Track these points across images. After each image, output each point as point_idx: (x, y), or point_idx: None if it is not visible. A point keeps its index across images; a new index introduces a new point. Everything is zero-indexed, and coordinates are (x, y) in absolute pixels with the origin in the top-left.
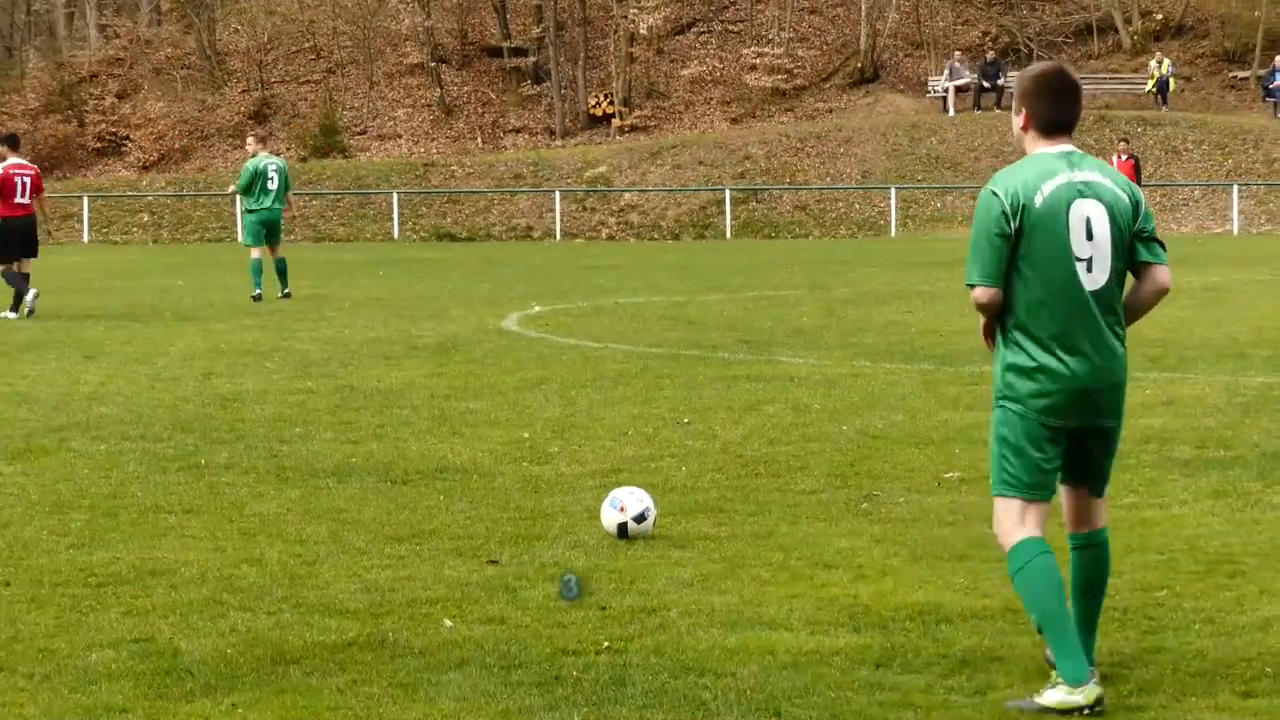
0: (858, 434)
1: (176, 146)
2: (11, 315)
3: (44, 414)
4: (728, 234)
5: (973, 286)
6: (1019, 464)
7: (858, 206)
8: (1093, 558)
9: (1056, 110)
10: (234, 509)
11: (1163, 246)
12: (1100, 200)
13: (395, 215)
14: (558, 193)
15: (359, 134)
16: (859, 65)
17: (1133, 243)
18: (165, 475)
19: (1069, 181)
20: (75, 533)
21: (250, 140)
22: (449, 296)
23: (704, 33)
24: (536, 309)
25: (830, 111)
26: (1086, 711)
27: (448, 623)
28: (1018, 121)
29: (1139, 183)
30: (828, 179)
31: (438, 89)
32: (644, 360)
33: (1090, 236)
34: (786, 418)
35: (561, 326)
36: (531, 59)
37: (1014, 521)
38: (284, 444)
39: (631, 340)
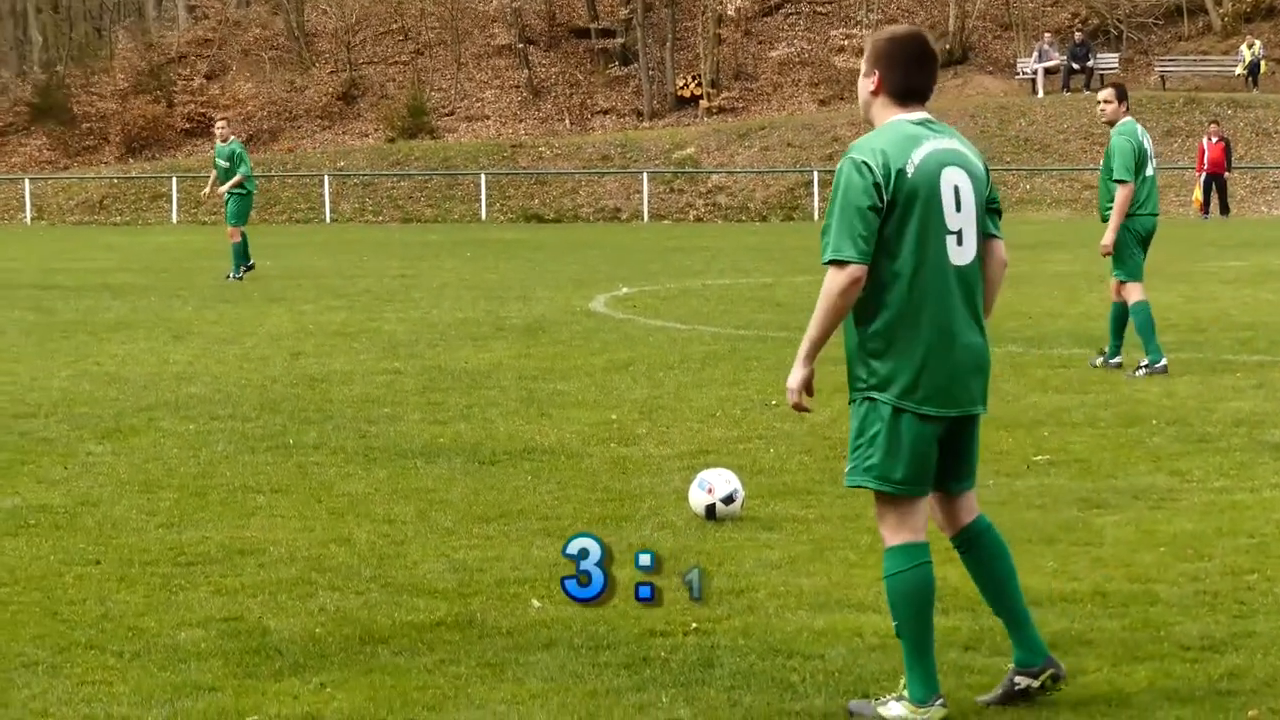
0: None
1: (265, 127)
2: None
3: (133, 393)
4: (815, 216)
5: (841, 264)
6: (898, 459)
7: None
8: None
9: (913, 76)
10: (322, 489)
11: (998, 222)
12: (964, 169)
13: (483, 196)
14: (645, 174)
15: (446, 115)
16: (948, 47)
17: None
18: (254, 455)
19: (937, 150)
20: (164, 512)
21: (223, 124)
22: (536, 278)
23: (792, 14)
24: (624, 290)
25: None
26: None
27: (535, 603)
28: (867, 85)
29: (1229, 165)
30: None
31: (525, 70)
32: (731, 342)
33: (959, 208)
34: None
35: (649, 308)
36: (619, 40)
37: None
38: (372, 424)
39: (719, 322)
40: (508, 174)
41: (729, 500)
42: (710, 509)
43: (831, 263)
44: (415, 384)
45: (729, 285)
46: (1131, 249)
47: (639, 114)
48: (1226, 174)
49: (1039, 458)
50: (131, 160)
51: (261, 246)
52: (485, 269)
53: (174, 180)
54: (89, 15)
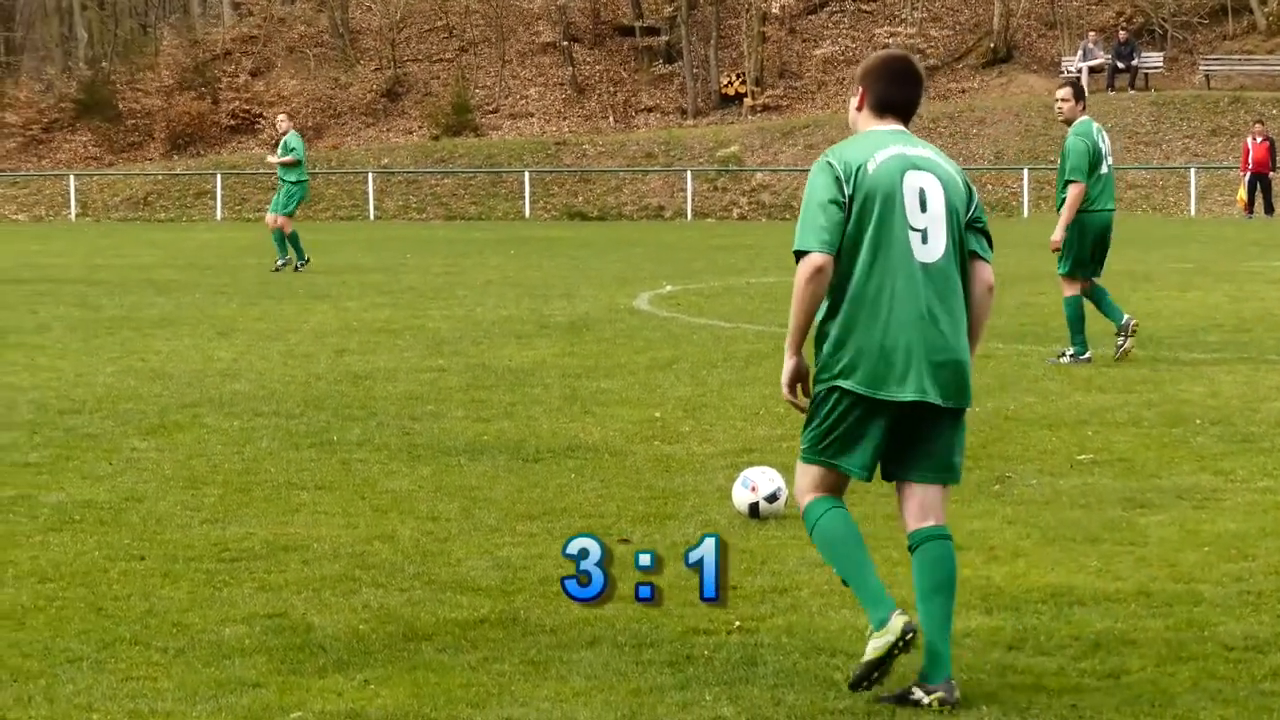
0: (990, 415)
1: (309, 124)
2: None
3: (178, 390)
4: None
5: (804, 254)
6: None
7: (990, 187)
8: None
9: (892, 91)
10: (366, 486)
11: (990, 244)
12: (934, 175)
13: (527, 194)
14: (689, 172)
15: (491, 112)
16: (992, 45)
17: (965, 231)
18: (298, 451)
19: (902, 154)
20: (209, 508)
21: (284, 118)
22: (580, 275)
23: (836, 12)
24: (668, 288)
25: (963, 92)
26: (900, 646)
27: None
28: (853, 101)
29: (1274, 165)
30: (960, 159)
31: (570, 68)
32: (775, 340)
33: (925, 208)
34: None
35: (693, 306)
36: (664, 38)
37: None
38: (416, 421)
39: (763, 320)
40: (551, 171)
41: (772, 498)
42: (754, 507)
43: (797, 254)
44: (459, 381)
45: (773, 283)
46: (1080, 246)
47: (683, 112)
48: (1271, 173)
49: (1083, 457)
50: (176, 157)
51: (307, 243)
52: (529, 266)
53: (218, 177)
54: (134, 12)
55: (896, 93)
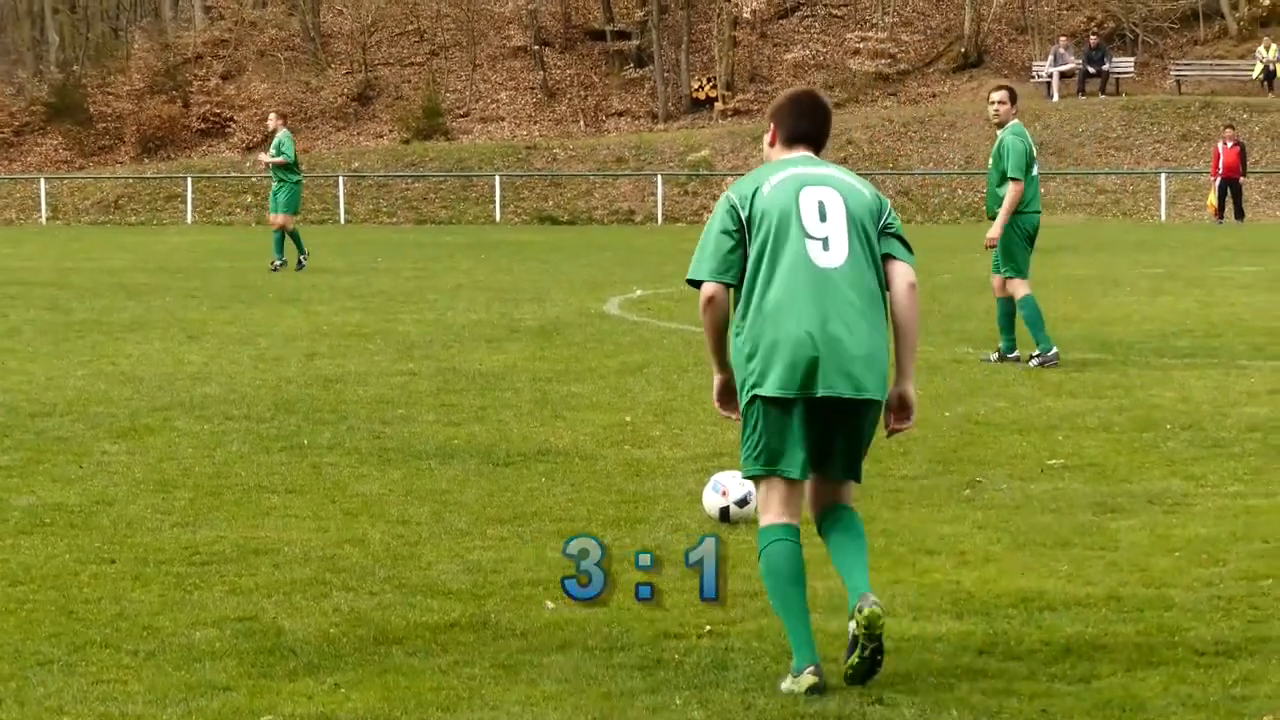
0: (960, 420)
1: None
2: None
3: (148, 393)
4: None
5: (698, 284)
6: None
7: (961, 192)
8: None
9: (798, 123)
10: (337, 489)
11: (908, 248)
12: (833, 188)
13: (497, 198)
14: (660, 176)
15: (461, 116)
16: (963, 50)
17: (880, 237)
18: (268, 455)
19: (798, 174)
20: (179, 511)
21: (274, 117)
22: (551, 280)
23: (807, 16)
24: (638, 293)
25: (934, 96)
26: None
27: (549, 605)
28: (767, 138)
29: (1244, 170)
30: (931, 164)
31: (540, 72)
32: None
33: (824, 219)
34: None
35: (663, 310)
36: (634, 42)
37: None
38: (386, 425)
39: None
40: (522, 176)
41: (743, 503)
42: (724, 511)
43: (691, 283)
44: (429, 385)
45: None
46: (1021, 246)
47: (653, 116)
48: (1241, 178)
49: (1053, 462)
50: (147, 160)
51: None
52: (499, 270)
53: (189, 181)
54: (105, 15)
55: (802, 124)
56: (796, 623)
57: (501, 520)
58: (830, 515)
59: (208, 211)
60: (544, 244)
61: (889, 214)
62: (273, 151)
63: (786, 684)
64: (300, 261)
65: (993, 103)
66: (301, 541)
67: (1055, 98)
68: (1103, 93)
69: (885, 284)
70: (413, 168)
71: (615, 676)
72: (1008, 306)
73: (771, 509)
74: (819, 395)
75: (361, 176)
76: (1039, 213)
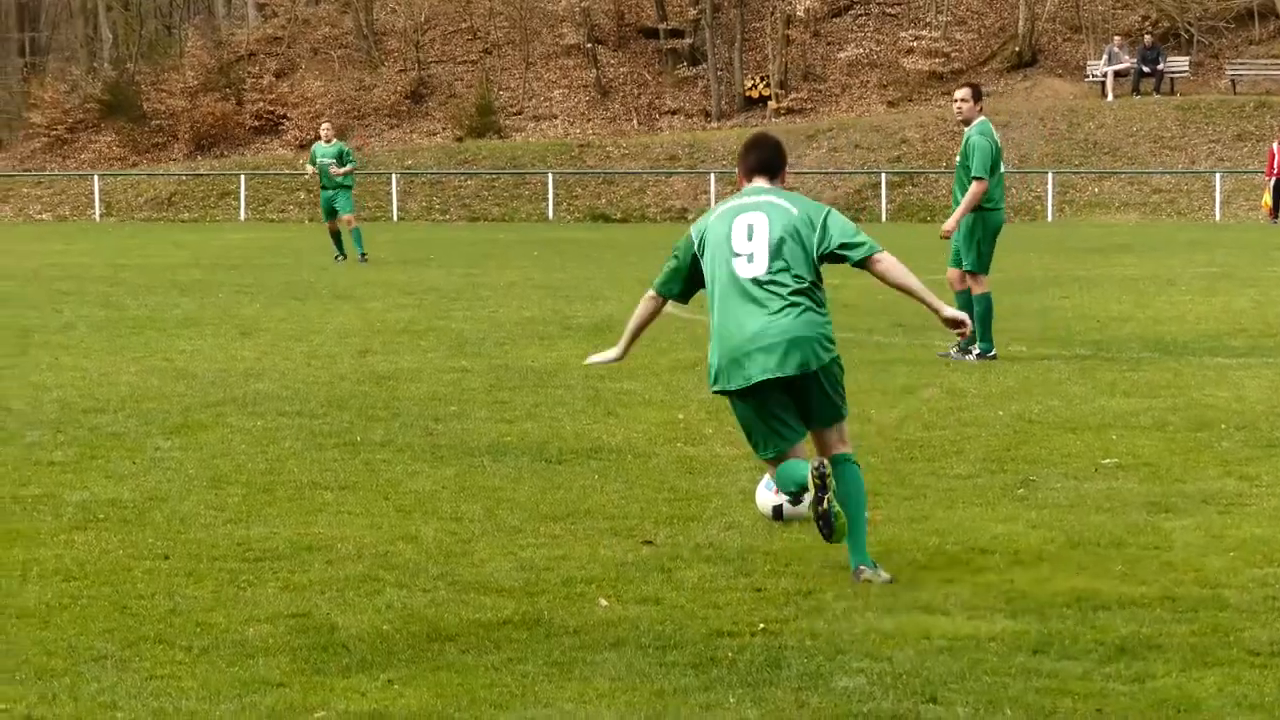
0: (1013, 419)
1: (334, 125)
2: None
3: (201, 389)
4: (883, 217)
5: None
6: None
7: (1014, 191)
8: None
9: (750, 160)
10: (389, 486)
11: (864, 245)
12: (761, 211)
13: (550, 196)
14: (713, 175)
15: (515, 114)
16: (1017, 49)
17: (836, 253)
18: (321, 452)
19: (739, 204)
20: (232, 508)
21: (328, 127)
22: (603, 277)
23: (861, 15)
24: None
25: (987, 95)
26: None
27: (603, 602)
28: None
29: None
30: None
31: (594, 70)
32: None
33: (750, 238)
34: (941, 402)
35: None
36: (688, 41)
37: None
38: (439, 422)
39: None
40: (575, 174)
41: (796, 500)
42: (778, 509)
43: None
44: (482, 382)
45: None
46: (987, 242)
47: (707, 114)
48: None
49: (1107, 461)
50: (200, 157)
51: (330, 244)
52: (552, 268)
53: (242, 178)
54: (159, 12)
55: (752, 160)
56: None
57: (554, 517)
58: (837, 468)
59: (261, 208)
60: (597, 242)
61: (825, 222)
62: (340, 161)
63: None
64: (339, 258)
65: (956, 100)
66: (354, 538)
67: (1110, 97)
68: (1157, 92)
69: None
70: (466, 165)
71: (668, 674)
72: (968, 300)
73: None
74: (759, 380)
75: (415, 174)
76: (1002, 209)
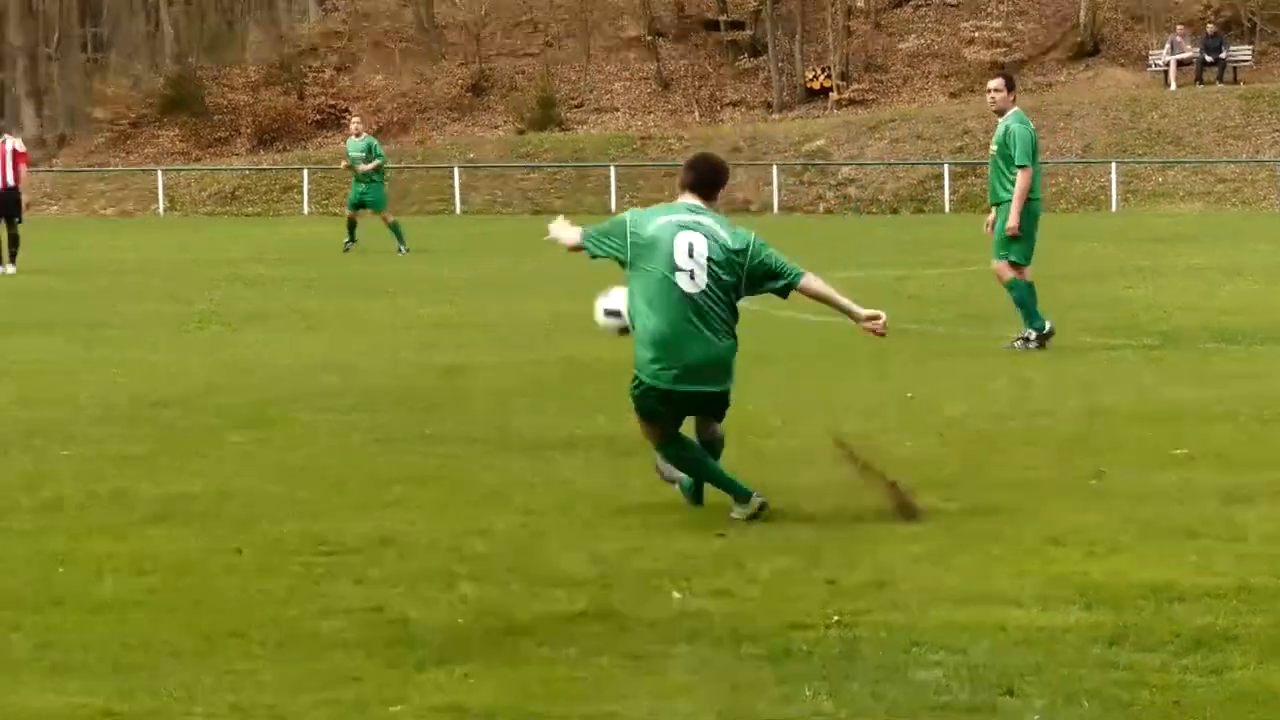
0: (1084, 410)
1: (395, 119)
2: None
3: (270, 384)
4: (946, 208)
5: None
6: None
7: (1078, 181)
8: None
9: (688, 176)
10: (461, 479)
11: (786, 272)
12: (702, 233)
13: (613, 188)
14: (775, 166)
15: (576, 107)
16: (1079, 39)
17: (763, 281)
18: (392, 445)
19: (680, 219)
20: (305, 501)
21: (357, 120)
22: None
23: (922, 5)
24: None
25: (1050, 85)
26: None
27: (677, 595)
28: (678, 185)
29: None
30: (1048, 153)
31: (655, 62)
32: (868, 338)
33: (691, 256)
34: (1011, 393)
35: (777, 300)
36: (748, 32)
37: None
38: (511, 415)
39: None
40: (637, 166)
41: (673, 480)
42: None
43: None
44: (554, 375)
45: (861, 278)
46: (1028, 233)
47: (768, 106)
48: None
49: (1178, 451)
50: (263, 152)
51: (392, 237)
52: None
53: (305, 172)
54: (220, 7)
55: (690, 179)
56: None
57: (627, 510)
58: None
59: (324, 202)
60: None
61: (754, 256)
62: (367, 156)
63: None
64: (348, 246)
65: (989, 90)
66: (427, 532)
67: (1173, 86)
68: (1220, 81)
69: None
70: (528, 159)
71: (744, 667)
72: (1029, 288)
73: (656, 436)
74: (682, 390)
75: (477, 167)
76: (1040, 199)
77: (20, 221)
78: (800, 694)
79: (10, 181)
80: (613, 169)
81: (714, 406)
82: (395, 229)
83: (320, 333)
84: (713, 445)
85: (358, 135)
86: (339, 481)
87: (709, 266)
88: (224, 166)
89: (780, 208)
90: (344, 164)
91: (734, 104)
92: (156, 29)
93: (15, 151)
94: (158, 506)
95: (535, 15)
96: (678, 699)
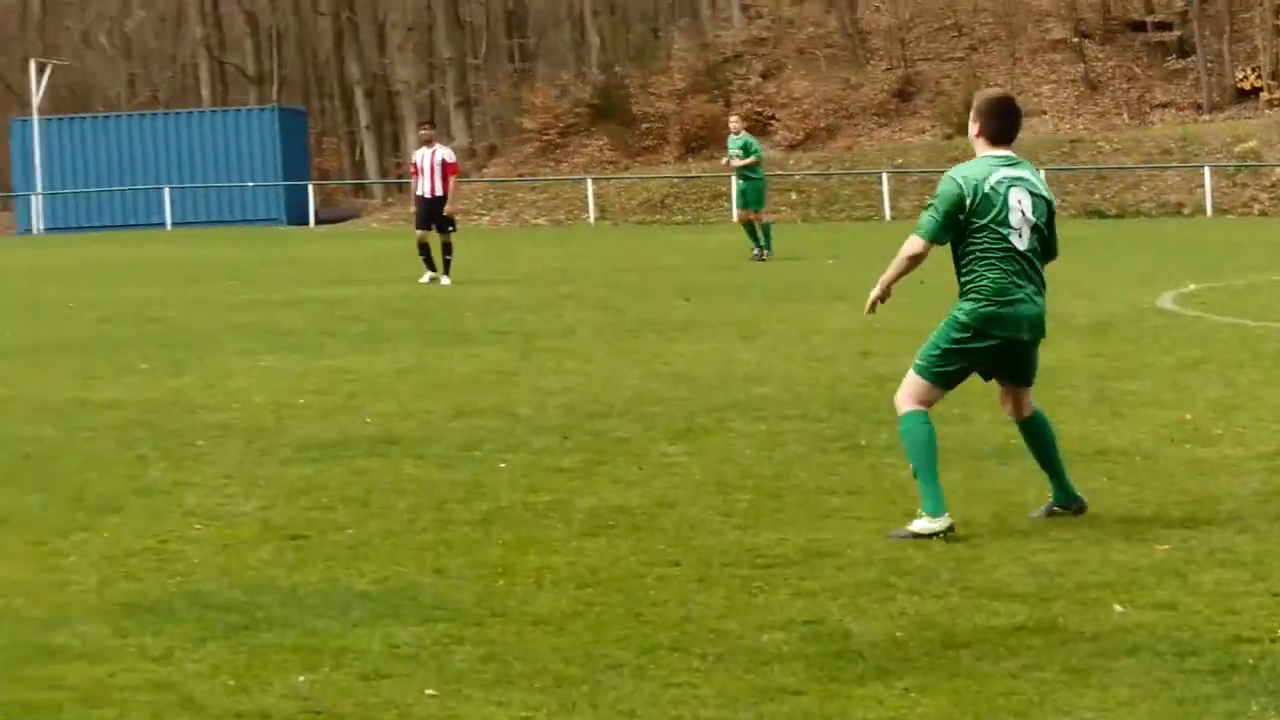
0: None
1: (821, 125)
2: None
3: (704, 393)
4: None
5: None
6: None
7: None
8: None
9: (1006, 124)
10: (897, 490)
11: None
12: (1026, 190)
13: None
14: (1207, 169)
15: None
16: None
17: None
18: (826, 456)
19: (1009, 174)
20: (740, 513)
21: (736, 119)
22: (1102, 274)
23: None
24: (1191, 287)
25: None
26: (943, 535)
27: (1118, 608)
28: (973, 129)
29: None
30: None
31: (1082, 64)
32: None
33: (1021, 214)
34: None
35: (1218, 305)
36: (1176, 33)
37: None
38: (944, 424)
39: None
40: (1067, 169)
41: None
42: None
43: (917, 234)
44: (982, 384)
45: None
46: None
47: (1198, 107)
48: None
49: None
50: (690, 159)
51: (822, 244)
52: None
53: (733, 180)
54: (645, 16)
55: (1006, 124)
56: (934, 479)
57: (1063, 522)
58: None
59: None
60: (1092, 238)
61: (1051, 210)
62: (743, 154)
63: (921, 523)
64: (757, 252)
65: None
66: (864, 543)
67: None
68: None
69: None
70: (955, 163)
71: (1188, 681)
72: None
73: (919, 403)
74: (1012, 338)
75: (905, 173)
76: None
77: (453, 230)
78: (1247, 709)
79: (439, 191)
80: (1043, 173)
81: (1022, 361)
82: (765, 230)
83: (753, 341)
84: (1034, 429)
85: (736, 133)
86: (773, 493)
87: (1033, 225)
88: (652, 175)
89: (1214, 210)
90: (724, 160)
91: (1163, 105)
92: (582, 38)
93: (445, 162)
94: (594, 518)
95: (959, 19)
96: (1120, 713)
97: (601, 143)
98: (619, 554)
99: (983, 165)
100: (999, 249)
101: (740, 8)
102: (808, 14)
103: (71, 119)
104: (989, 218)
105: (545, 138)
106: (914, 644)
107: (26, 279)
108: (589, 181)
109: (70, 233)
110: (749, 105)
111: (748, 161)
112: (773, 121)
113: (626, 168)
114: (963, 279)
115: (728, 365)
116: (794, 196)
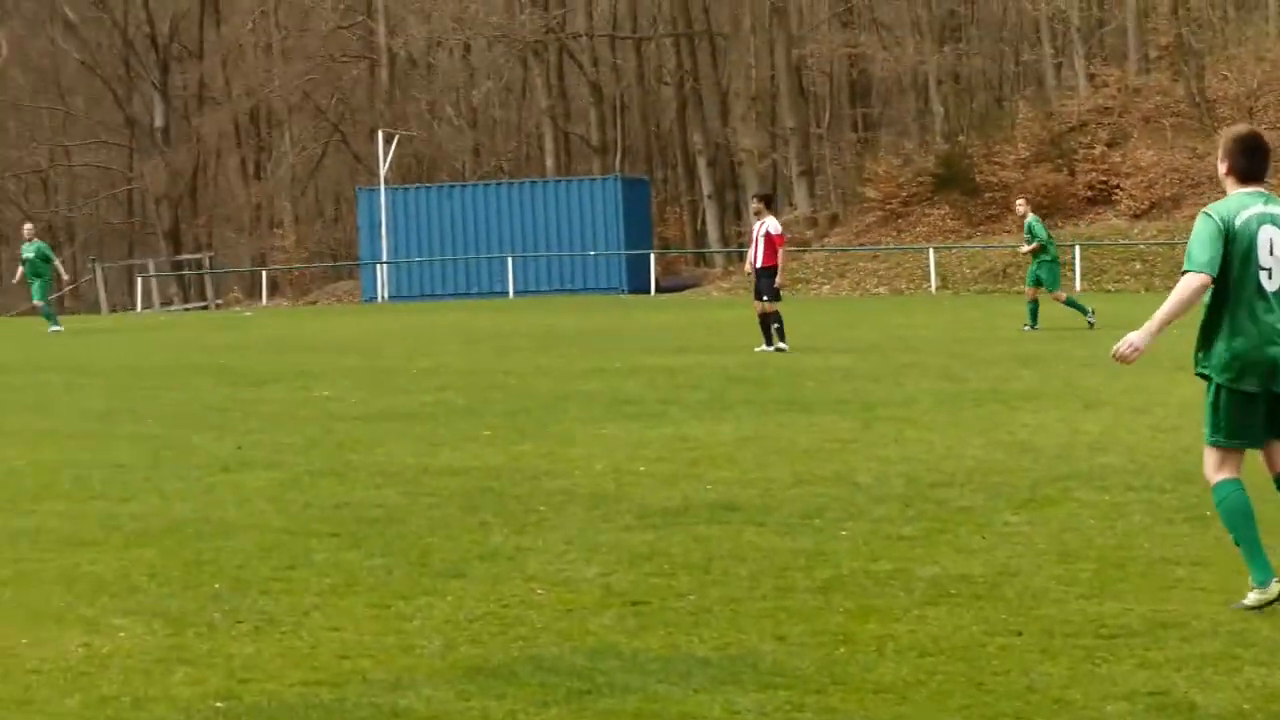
0: None
1: (1166, 194)
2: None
3: (1047, 463)
4: None
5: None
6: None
7: None
8: None
9: (1259, 162)
10: (1241, 562)
11: None
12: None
13: None
14: None
15: None
16: None
17: None
18: (1171, 526)
19: (1262, 211)
20: (1084, 583)
21: (1022, 202)
22: None
23: None
24: None
25: None
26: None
27: None
28: (1222, 168)
29: None
30: None
31: None
32: None
33: (1272, 252)
34: None
35: None
36: None
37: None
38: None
39: None
40: None
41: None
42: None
43: (1186, 272)
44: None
45: None
46: None
47: None
48: None
49: None
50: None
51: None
52: None
53: (1076, 248)
54: (989, 85)
55: (1259, 162)
56: (1258, 549)
57: None
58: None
59: (1097, 279)
60: None
61: None
62: (1026, 237)
63: (1252, 596)
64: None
65: None
66: (1209, 614)
67: None
68: None
69: None
70: None
71: None
72: None
73: (1225, 469)
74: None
75: None
76: None
77: (769, 300)
78: None
79: (761, 262)
80: None
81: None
82: (1070, 303)
83: (1096, 411)
84: None
85: (1022, 216)
86: (1118, 563)
87: None
88: (995, 244)
89: None
90: (1023, 249)
91: None
92: (926, 107)
93: (769, 234)
94: (935, 587)
95: None
96: None
97: (944, 211)
98: (961, 623)
99: (1234, 202)
100: (1249, 288)
101: (1086, 76)
102: (1154, 83)
103: (417, 188)
104: (1239, 255)
105: (887, 207)
106: (1261, 716)
107: (371, 347)
108: (930, 250)
109: (414, 300)
110: (1094, 174)
111: (1031, 248)
112: (1117, 191)
113: (969, 237)
114: (1207, 319)
115: (1071, 435)
116: (1138, 266)
